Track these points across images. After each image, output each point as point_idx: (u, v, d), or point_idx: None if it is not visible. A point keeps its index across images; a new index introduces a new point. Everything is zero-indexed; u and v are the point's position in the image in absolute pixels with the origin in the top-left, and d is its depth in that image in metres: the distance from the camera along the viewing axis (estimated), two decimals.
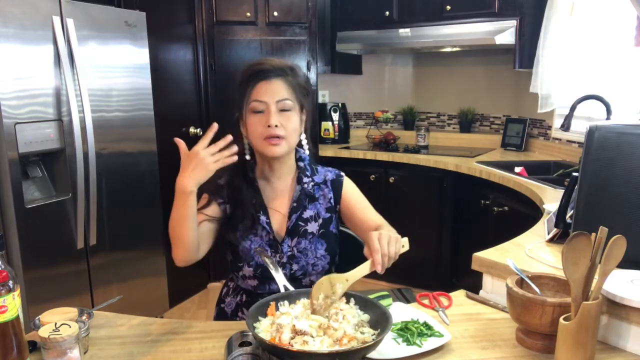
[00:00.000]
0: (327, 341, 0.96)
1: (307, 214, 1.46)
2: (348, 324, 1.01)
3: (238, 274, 1.47)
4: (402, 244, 1.19)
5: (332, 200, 1.49)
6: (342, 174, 1.55)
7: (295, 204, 1.45)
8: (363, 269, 1.12)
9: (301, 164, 1.50)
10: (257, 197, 1.45)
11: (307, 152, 1.51)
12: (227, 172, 1.47)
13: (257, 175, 1.48)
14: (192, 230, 1.27)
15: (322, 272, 1.48)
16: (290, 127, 1.37)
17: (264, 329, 1.01)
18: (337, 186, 1.51)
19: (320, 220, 1.47)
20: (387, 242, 1.14)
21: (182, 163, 1.24)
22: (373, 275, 1.12)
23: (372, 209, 1.50)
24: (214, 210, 1.45)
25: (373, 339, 0.95)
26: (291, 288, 1.21)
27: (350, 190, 1.53)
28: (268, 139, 1.35)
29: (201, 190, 1.48)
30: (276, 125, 1.34)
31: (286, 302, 1.11)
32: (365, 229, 1.43)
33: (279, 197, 1.48)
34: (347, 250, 1.55)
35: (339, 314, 1.03)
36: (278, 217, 1.46)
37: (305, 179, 1.48)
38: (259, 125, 1.36)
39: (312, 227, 1.45)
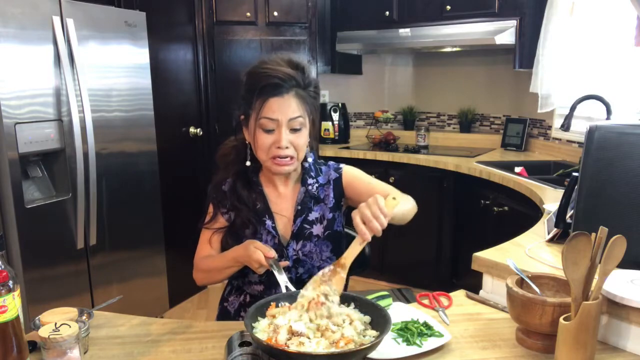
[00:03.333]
0: (324, 343, 0.95)
1: (313, 216, 1.44)
2: (354, 330, 1.00)
3: (244, 280, 1.47)
4: (393, 197, 1.13)
5: (334, 199, 1.47)
6: (341, 166, 1.51)
7: (299, 207, 1.44)
8: (354, 245, 1.10)
9: (306, 164, 1.47)
10: (262, 201, 1.44)
11: (311, 154, 1.49)
12: (231, 177, 1.47)
13: (261, 179, 1.47)
14: (225, 278, 1.44)
15: None
16: (300, 144, 1.35)
17: (262, 329, 1.01)
18: (337, 182, 1.48)
19: (325, 222, 1.45)
20: (367, 207, 1.09)
21: (254, 252, 1.28)
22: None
23: (376, 184, 1.46)
24: (221, 222, 1.46)
25: (371, 342, 0.95)
26: (293, 289, 1.21)
27: (350, 177, 1.49)
28: (276, 158, 1.34)
29: (206, 199, 1.50)
30: (287, 147, 1.33)
31: (286, 303, 1.10)
32: None
33: (283, 200, 1.46)
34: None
35: (345, 320, 1.03)
36: (283, 220, 1.45)
37: (310, 180, 1.46)
38: (268, 144, 1.33)
39: (317, 229, 1.43)
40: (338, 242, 1.47)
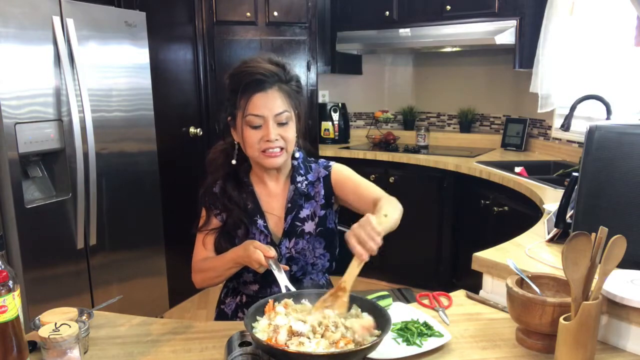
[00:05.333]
0: (323, 343, 0.95)
1: (304, 213, 1.44)
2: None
3: (239, 280, 1.47)
4: (384, 214, 1.13)
5: (324, 197, 1.46)
6: (330, 163, 1.51)
7: (290, 205, 1.44)
8: (352, 267, 1.09)
9: (295, 162, 1.47)
10: (253, 201, 1.44)
11: (300, 152, 1.49)
12: (221, 178, 1.47)
13: (251, 179, 1.47)
14: (224, 279, 1.45)
15: (323, 270, 1.48)
16: (289, 137, 1.36)
17: (262, 329, 1.01)
18: (326, 179, 1.48)
19: (317, 219, 1.45)
20: (361, 229, 1.08)
21: (254, 252, 1.28)
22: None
23: (366, 186, 1.44)
24: (215, 224, 1.47)
25: (371, 342, 0.95)
26: (293, 289, 1.20)
27: (339, 176, 1.48)
28: (267, 151, 1.35)
29: (198, 202, 1.49)
30: (276, 139, 1.33)
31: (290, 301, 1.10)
32: (364, 207, 1.39)
33: (274, 199, 1.46)
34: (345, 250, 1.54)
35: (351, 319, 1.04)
36: (274, 219, 1.45)
37: (299, 178, 1.46)
38: (257, 139, 1.34)
39: (309, 226, 1.44)
40: (331, 238, 1.47)
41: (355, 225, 1.09)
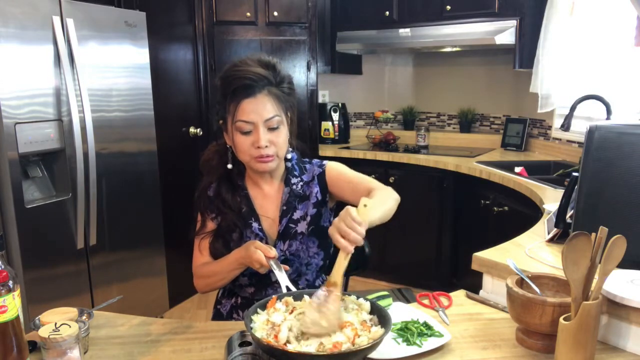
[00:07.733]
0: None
1: (297, 214, 1.44)
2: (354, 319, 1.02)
3: (234, 283, 1.47)
4: (364, 204, 1.09)
5: (318, 195, 1.45)
6: (324, 162, 1.50)
7: (284, 207, 1.43)
8: (339, 261, 1.07)
9: (288, 164, 1.46)
10: (247, 204, 1.44)
11: (293, 153, 1.48)
12: (215, 182, 1.46)
13: (246, 182, 1.47)
14: (229, 281, 1.42)
15: (317, 269, 1.47)
16: (280, 142, 1.35)
17: (259, 326, 1.01)
18: (321, 177, 1.47)
19: (309, 218, 1.44)
20: (341, 221, 1.06)
21: (254, 252, 1.27)
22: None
23: (360, 179, 1.43)
24: (210, 227, 1.46)
25: (371, 342, 0.94)
26: (293, 288, 1.20)
27: (334, 173, 1.47)
28: (258, 157, 1.34)
29: (193, 206, 1.49)
30: (266, 146, 1.32)
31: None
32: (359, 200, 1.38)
33: (268, 202, 1.46)
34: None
35: (354, 309, 1.04)
36: (268, 222, 1.44)
37: (294, 180, 1.45)
38: (248, 145, 1.33)
39: (302, 226, 1.43)
40: (325, 237, 1.45)
41: (335, 219, 1.08)
